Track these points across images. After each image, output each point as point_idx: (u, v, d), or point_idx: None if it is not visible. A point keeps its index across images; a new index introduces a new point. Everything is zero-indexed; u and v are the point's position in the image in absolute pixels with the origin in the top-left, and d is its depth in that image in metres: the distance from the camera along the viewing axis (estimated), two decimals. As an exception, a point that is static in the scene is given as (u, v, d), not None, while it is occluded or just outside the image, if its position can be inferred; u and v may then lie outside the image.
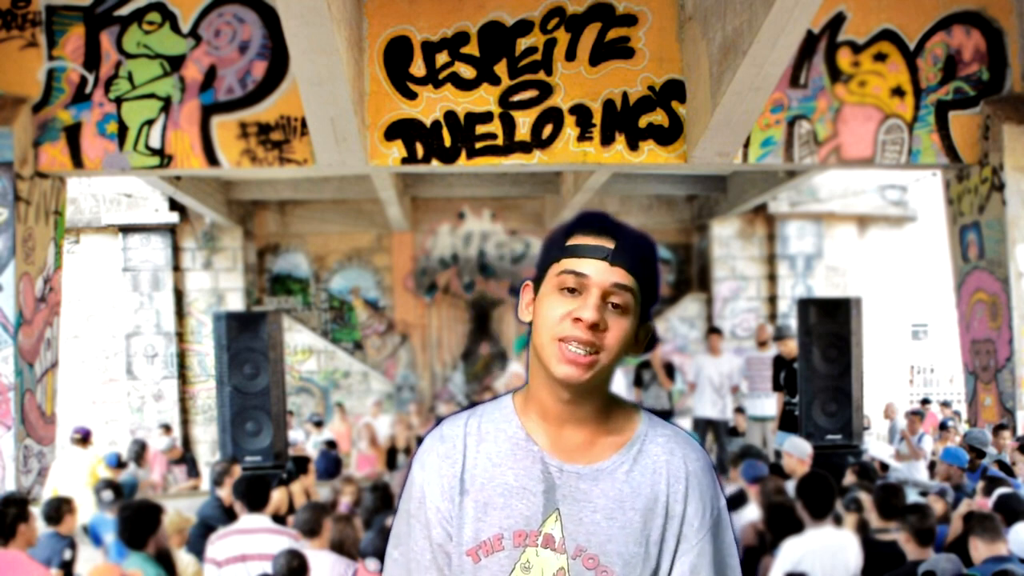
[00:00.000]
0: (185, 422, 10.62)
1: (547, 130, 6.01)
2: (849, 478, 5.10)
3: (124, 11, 5.95)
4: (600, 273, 1.23)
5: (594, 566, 1.23)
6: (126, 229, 10.32)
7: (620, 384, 8.51)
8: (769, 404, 7.91)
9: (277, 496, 4.96)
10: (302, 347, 11.21)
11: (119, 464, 6.98)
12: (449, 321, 12.05)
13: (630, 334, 1.25)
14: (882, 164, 6.43)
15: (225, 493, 4.92)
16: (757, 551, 4.17)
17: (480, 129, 5.99)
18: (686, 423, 8.61)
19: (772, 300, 11.23)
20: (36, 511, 4.22)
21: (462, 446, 1.31)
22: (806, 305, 6.23)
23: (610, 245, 1.24)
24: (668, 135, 6.03)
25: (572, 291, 1.24)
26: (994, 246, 6.30)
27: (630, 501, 1.25)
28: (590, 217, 1.30)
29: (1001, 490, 4.31)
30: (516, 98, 5.99)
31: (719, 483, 1.33)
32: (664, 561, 1.25)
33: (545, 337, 1.24)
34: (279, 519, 4.68)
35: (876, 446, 6.82)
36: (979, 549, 3.53)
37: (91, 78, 5.94)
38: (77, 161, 5.95)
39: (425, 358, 11.97)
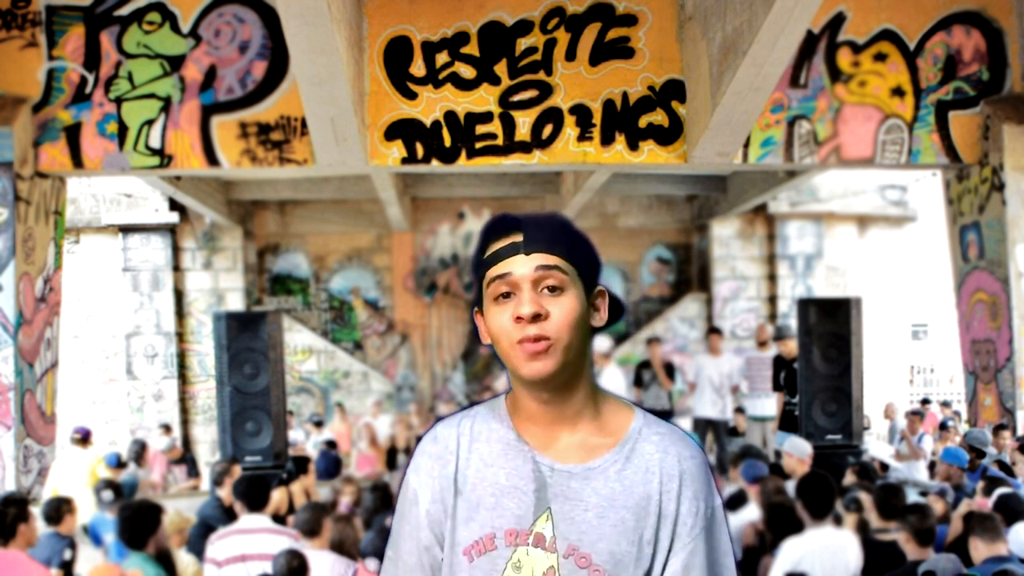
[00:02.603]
0: (185, 422, 10.62)
1: (547, 130, 6.01)
2: (849, 478, 5.10)
3: (124, 11, 5.95)
4: (521, 266, 1.24)
5: (586, 565, 1.23)
6: (126, 229, 10.32)
7: (620, 384, 8.51)
8: (769, 404, 7.91)
9: (277, 496, 4.96)
10: (302, 347, 11.20)
11: (119, 464, 6.98)
12: (449, 321, 12.05)
13: (578, 308, 1.25)
14: (882, 164, 6.43)
15: (225, 493, 4.92)
16: (757, 551, 4.17)
17: (480, 129, 5.99)
18: (686, 423, 8.61)
19: (772, 300, 11.22)
20: (36, 511, 4.22)
21: (455, 447, 1.31)
22: (806, 305, 6.23)
23: (519, 238, 1.25)
24: (668, 135, 6.03)
25: (507, 295, 1.25)
26: (994, 246, 6.30)
27: (622, 500, 1.24)
28: (494, 224, 1.30)
29: (1001, 490, 4.31)
30: (516, 98, 5.99)
31: (715, 482, 1.31)
32: (657, 560, 1.25)
33: (504, 347, 1.25)
34: (279, 519, 4.68)
35: (876, 446, 6.82)
36: (979, 549, 3.53)
37: (91, 78, 5.94)
38: (77, 161, 5.95)
39: (425, 358, 11.97)
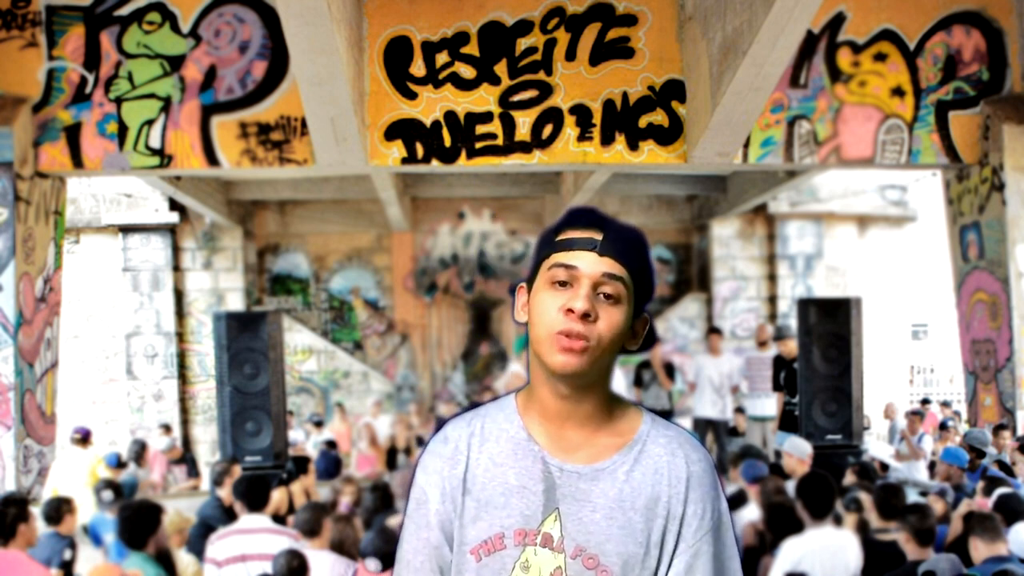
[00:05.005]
0: (185, 422, 10.62)
1: (547, 130, 6.01)
2: (849, 478, 5.10)
3: (124, 11, 5.95)
4: (589, 264, 1.24)
5: (594, 566, 1.23)
6: (126, 229, 10.32)
7: (620, 384, 8.51)
8: (769, 404, 7.91)
9: (277, 496, 4.96)
10: (302, 347, 11.20)
11: (119, 464, 6.98)
12: (449, 321, 12.05)
13: (623, 324, 1.26)
14: (882, 164, 6.43)
15: (225, 493, 4.91)
16: (757, 551, 4.17)
17: (480, 129, 5.99)
18: (686, 423, 8.60)
19: (772, 300, 11.23)
20: (36, 511, 4.22)
21: (465, 447, 1.31)
22: (806, 305, 6.23)
23: (598, 236, 1.25)
24: (668, 135, 6.03)
25: (563, 284, 1.25)
26: (994, 246, 6.30)
27: (630, 501, 1.25)
28: (579, 212, 1.31)
29: (1001, 490, 4.31)
30: (516, 98, 5.99)
31: (721, 486, 1.32)
32: (663, 562, 1.25)
33: (541, 332, 1.25)
34: (279, 519, 4.68)
35: (876, 446, 6.82)
36: (979, 549, 3.53)
37: (91, 78, 5.94)
38: (77, 161, 5.95)
39: (425, 358, 11.97)
